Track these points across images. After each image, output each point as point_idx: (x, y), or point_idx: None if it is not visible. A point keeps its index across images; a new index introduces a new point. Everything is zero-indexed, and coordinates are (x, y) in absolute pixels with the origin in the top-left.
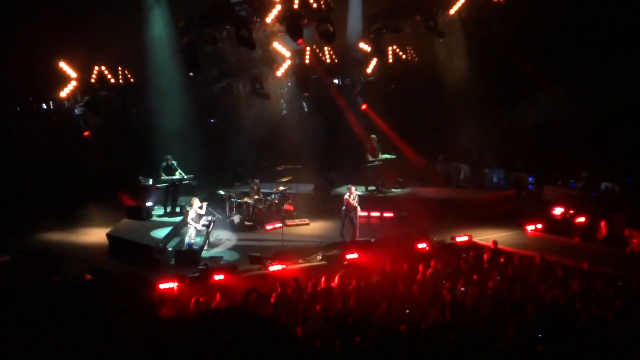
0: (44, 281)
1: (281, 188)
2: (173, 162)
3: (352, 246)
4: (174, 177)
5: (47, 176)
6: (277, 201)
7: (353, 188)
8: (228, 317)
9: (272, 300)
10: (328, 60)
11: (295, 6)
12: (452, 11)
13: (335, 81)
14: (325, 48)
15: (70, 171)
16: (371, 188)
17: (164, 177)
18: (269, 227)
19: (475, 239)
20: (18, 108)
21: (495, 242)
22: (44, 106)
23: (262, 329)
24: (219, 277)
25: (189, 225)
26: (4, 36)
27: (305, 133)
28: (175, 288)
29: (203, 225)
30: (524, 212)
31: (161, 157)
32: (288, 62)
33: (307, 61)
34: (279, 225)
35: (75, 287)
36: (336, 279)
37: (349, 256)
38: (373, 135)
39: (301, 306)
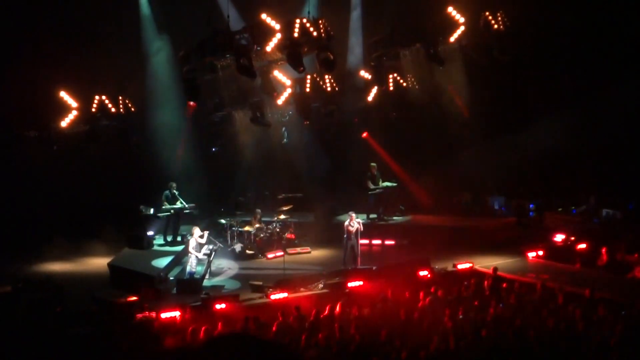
0: (46, 311)
1: (282, 216)
2: (175, 190)
3: (354, 274)
4: (176, 206)
5: (48, 206)
6: (278, 229)
7: (354, 215)
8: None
9: (274, 328)
10: (329, 89)
11: (296, 35)
12: (452, 39)
13: (336, 109)
14: (326, 76)
15: (71, 200)
16: (373, 216)
17: (166, 205)
18: (270, 255)
19: (477, 266)
20: (19, 137)
21: (495, 269)
22: (45, 135)
23: (269, 353)
24: (220, 306)
25: (190, 254)
26: (6, 65)
27: (306, 161)
28: (177, 317)
29: (204, 254)
30: (525, 239)
31: (162, 186)
32: (289, 91)
33: (307, 89)
34: (280, 253)
35: (77, 317)
36: (338, 307)
37: (350, 284)
38: (373, 164)
39: (303, 334)
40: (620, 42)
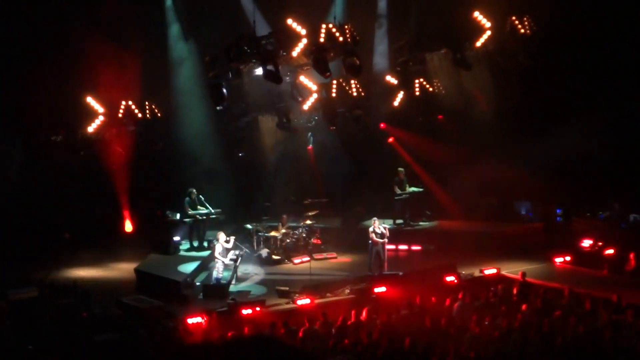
0: (72, 316)
1: (308, 222)
2: (198, 196)
3: (380, 280)
4: (201, 211)
5: (74, 211)
6: (304, 235)
7: (377, 221)
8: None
9: (300, 334)
10: (354, 94)
11: (322, 40)
12: (478, 43)
13: (362, 114)
14: (352, 81)
15: (97, 205)
16: (399, 221)
17: (190, 211)
18: (296, 261)
19: (504, 272)
20: (46, 142)
21: (523, 274)
22: (71, 141)
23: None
24: (247, 311)
25: (216, 259)
26: (33, 71)
27: (332, 166)
28: (203, 323)
29: (231, 260)
30: (552, 244)
31: (187, 192)
32: (315, 96)
33: (333, 94)
34: (306, 259)
35: (103, 323)
36: (364, 313)
37: (377, 290)
38: (400, 169)
39: (330, 340)
40: None
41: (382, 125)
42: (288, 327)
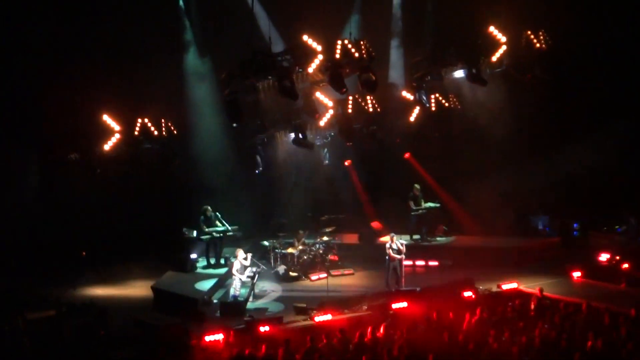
0: (90, 335)
1: (325, 238)
2: (213, 213)
3: (398, 295)
4: (218, 228)
5: (90, 229)
6: (321, 251)
7: (394, 237)
8: None
9: (318, 351)
10: (370, 109)
11: (337, 56)
12: (494, 58)
13: (378, 130)
14: (368, 97)
15: (114, 223)
16: (416, 237)
17: (205, 229)
18: (313, 277)
19: (521, 287)
20: (62, 160)
21: (541, 290)
22: (88, 159)
23: None
24: (264, 328)
25: (233, 276)
26: (49, 90)
27: (349, 182)
28: (221, 340)
29: (248, 277)
30: (570, 259)
31: (204, 209)
32: (331, 112)
33: (349, 110)
34: (323, 275)
35: (121, 341)
36: (382, 329)
37: (394, 305)
38: (416, 185)
39: (347, 357)
40: None
41: (406, 155)
42: (315, 345)
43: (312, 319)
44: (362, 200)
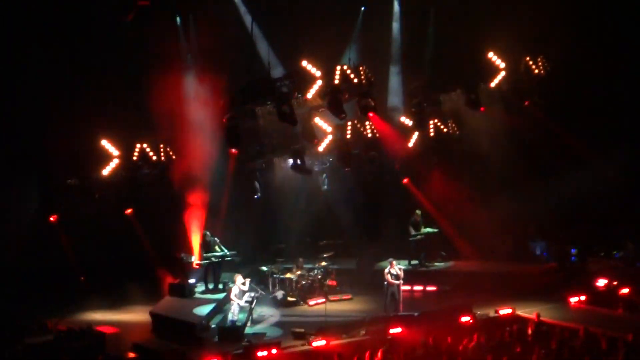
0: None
1: (324, 263)
2: (212, 238)
3: (396, 320)
4: (216, 253)
5: (89, 253)
6: (320, 276)
7: (394, 262)
8: None
9: None
10: (369, 135)
11: (336, 81)
12: (492, 84)
13: (377, 156)
14: (367, 122)
15: (113, 248)
16: (414, 262)
17: (205, 254)
18: (312, 302)
19: (519, 312)
20: (61, 186)
21: (538, 315)
22: (87, 184)
23: None
24: (262, 353)
25: (232, 301)
26: (49, 115)
27: (347, 208)
28: None
29: (246, 302)
30: (567, 284)
31: (203, 234)
32: (329, 137)
33: (348, 136)
34: (322, 300)
35: None
36: (380, 354)
37: (392, 330)
38: (418, 211)
39: None
40: None
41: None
42: None
43: (310, 344)
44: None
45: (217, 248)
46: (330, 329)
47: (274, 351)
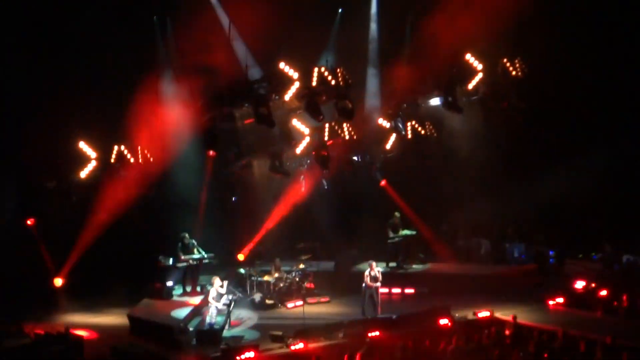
0: None
1: (302, 266)
2: (191, 240)
3: (374, 323)
4: (195, 256)
5: (66, 256)
6: (297, 279)
7: (374, 264)
8: None
9: None
10: (347, 137)
11: (314, 83)
12: (470, 86)
13: (355, 157)
14: (344, 124)
15: (89, 251)
16: (392, 264)
17: (183, 256)
18: (290, 305)
19: (497, 314)
20: (38, 188)
21: (514, 317)
22: (64, 186)
23: None
24: (246, 355)
25: (209, 304)
26: (25, 116)
27: (325, 210)
28: None
29: (224, 304)
30: (546, 287)
31: (181, 236)
32: (307, 139)
33: (326, 138)
34: (300, 303)
35: None
36: (358, 357)
37: (370, 334)
38: (397, 213)
39: None
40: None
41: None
42: None
43: (288, 347)
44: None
45: (195, 250)
46: (308, 332)
47: (252, 354)
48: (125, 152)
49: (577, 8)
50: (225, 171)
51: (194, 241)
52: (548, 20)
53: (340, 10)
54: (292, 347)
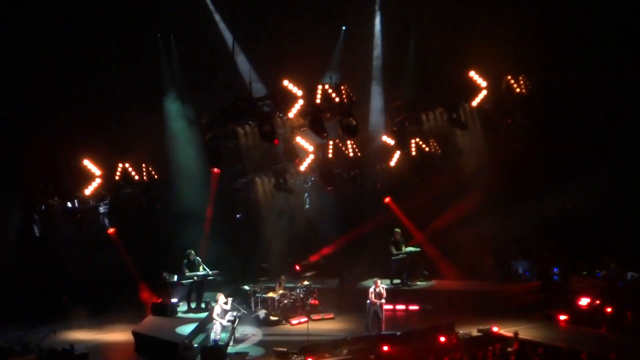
0: None
1: (306, 282)
2: (196, 257)
3: (378, 340)
4: (199, 272)
5: (72, 273)
6: (302, 295)
7: (379, 281)
8: None
9: None
10: (351, 154)
11: (318, 101)
12: (474, 103)
13: (358, 175)
14: (348, 141)
15: (95, 269)
16: (396, 281)
17: (188, 273)
18: (294, 321)
19: (501, 331)
20: (43, 207)
21: (516, 333)
22: (69, 204)
23: None
24: None
25: (214, 321)
26: (29, 135)
27: (329, 227)
28: None
29: (228, 321)
30: (550, 303)
31: (185, 253)
32: (311, 157)
33: (330, 155)
34: (304, 319)
35: None
36: None
37: (374, 350)
38: (397, 229)
39: None
40: None
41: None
42: None
43: None
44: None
45: (200, 268)
46: (313, 348)
47: None
48: (130, 169)
49: (582, 25)
50: (229, 188)
51: (199, 258)
52: (552, 37)
53: (344, 27)
54: None
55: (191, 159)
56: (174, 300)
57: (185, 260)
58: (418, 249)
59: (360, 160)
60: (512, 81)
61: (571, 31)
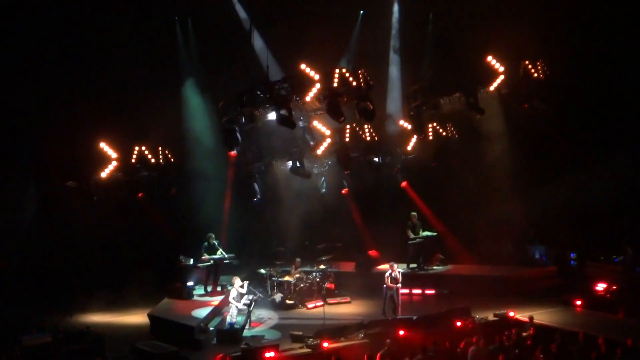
0: None
1: (322, 266)
2: (215, 240)
3: (394, 324)
4: (216, 256)
5: (88, 256)
6: (318, 279)
7: (395, 265)
8: None
9: None
10: (368, 138)
11: (335, 85)
12: (491, 87)
13: (376, 159)
14: (365, 126)
15: (111, 251)
16: (413, 265)
17: (205, 256)
18: (310, 305)
19: (518, 316)
20: (59, 188)
21: (531, 318)
22: (85, 187)
23: None
24: (267, 354)
25: (230, 304)
26: (46, 118)
27: (346, 211)
28: None
29: (244, 304)
30: (567, 288)
31: (202, 236)
32: (328, 141)
33: (347, 139)
34: (320, 303)
35: None
36: (378, 357)
37: (391, 333)
38: (413, 213)
39: None
40: None
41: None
42: None
43: (308, 347)
44: (359, 229)
45: (218, 252)
46: (328, 332)
47: (272, 354)
48: (146, 152)
49: (599, 10)
50: (246, 172)
51: (216, 242)
52: (570, 22)
53: (361, 12)
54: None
55: (208, 142)
56: (190, 283)
57: (206, 243)
58: (435, 233)
59: (377, 144)
60: (530, 66)
61: (589, 15)
